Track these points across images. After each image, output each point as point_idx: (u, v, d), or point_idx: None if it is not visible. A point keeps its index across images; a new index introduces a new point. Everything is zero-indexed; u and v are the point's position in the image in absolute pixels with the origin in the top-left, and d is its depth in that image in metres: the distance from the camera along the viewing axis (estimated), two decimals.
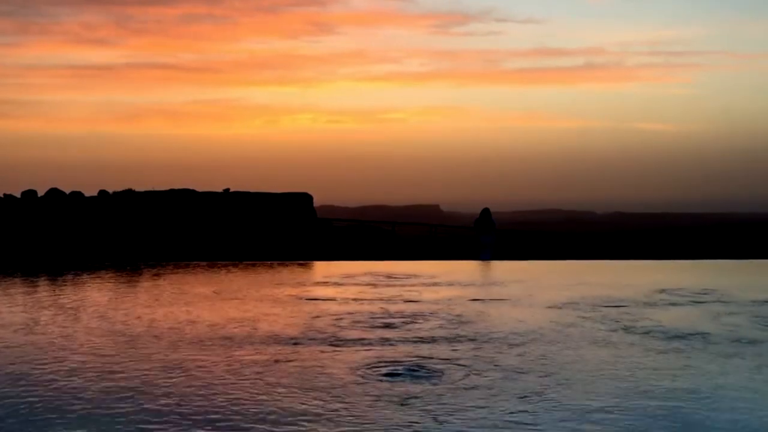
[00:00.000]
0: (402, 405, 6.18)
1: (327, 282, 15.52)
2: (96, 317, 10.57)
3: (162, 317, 10.54)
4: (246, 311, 11.13)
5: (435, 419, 5.83)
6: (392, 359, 7.81)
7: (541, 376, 7.16)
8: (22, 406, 6.14)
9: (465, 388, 6.72)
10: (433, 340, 8.91)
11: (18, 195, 25.19)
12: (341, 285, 14.77)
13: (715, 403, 6.39)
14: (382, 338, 8.98)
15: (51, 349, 8.34)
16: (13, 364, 7.65)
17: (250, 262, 20.33)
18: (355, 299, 12.50)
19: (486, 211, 22.57)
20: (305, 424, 5.70)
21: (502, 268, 19.78)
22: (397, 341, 8.80)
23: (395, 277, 16.07)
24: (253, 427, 5.62)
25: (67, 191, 25.45)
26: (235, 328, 9.69)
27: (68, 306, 11.66)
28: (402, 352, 8.20)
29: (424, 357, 7.92)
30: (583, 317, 10.70)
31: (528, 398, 6.40)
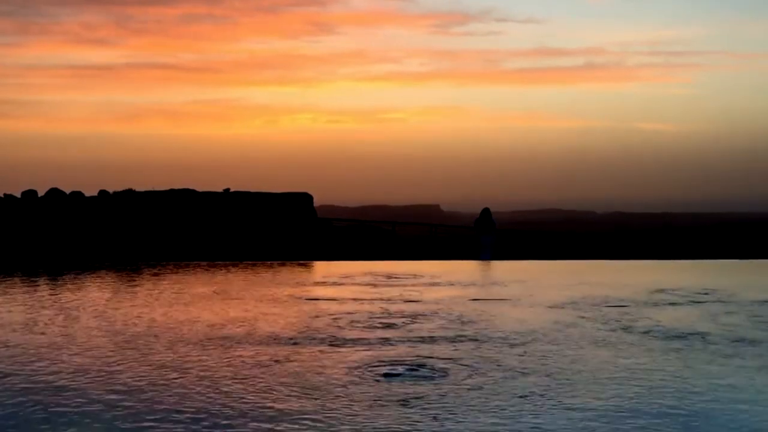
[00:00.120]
0: (402, 405, 6.18)
1: (327, 282, 15.51)
2: (96, 317, 10.57)
3: (162, 317, 10.54)
4: (246, 311, 11.12)
5: (436, 420, 5.82)
6: (392, 359, 7.80)
7: (542, 377, 7.16)
8: (21, 406, 6.14)
9: (466, 389, 6.71)
10: (433, 340, 8.91)
11: (18, 195, 25.19)
12: (341, 285, 14.77)
13: (716, 403, 6.39)
14: (382, 338, 8.98)
15: (51, 349, 8.33)
16: (13, 363, 7.64)
17: (250, 262, 20.33)
18: (355, 299, 12.50)
19: (486, 211, 22.57)
20: (305, 424, 5.70)
21: (502, 268, 19.77)
22: (397, 341, 8.80)
23: (395, 277, 16.07)
24: (252, 428, 5.61)
25: (68, 191, 25.45)
26: (234, 328, 9.69)
27: (68, 306, 11.66)
28: (402, 352, 8.20)
29: (424, 357, 7.91)
30: (584, 317, 10.70)
31: (530, 398, 6.40)
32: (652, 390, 6.70)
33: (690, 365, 7.71)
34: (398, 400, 6.30)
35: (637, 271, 19.26)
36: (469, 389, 6.69)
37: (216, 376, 7.13)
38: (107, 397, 6.38)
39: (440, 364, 7.58)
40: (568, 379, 7.04)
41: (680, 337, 9.20)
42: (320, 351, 8.26)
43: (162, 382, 6.89)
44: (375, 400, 6.30)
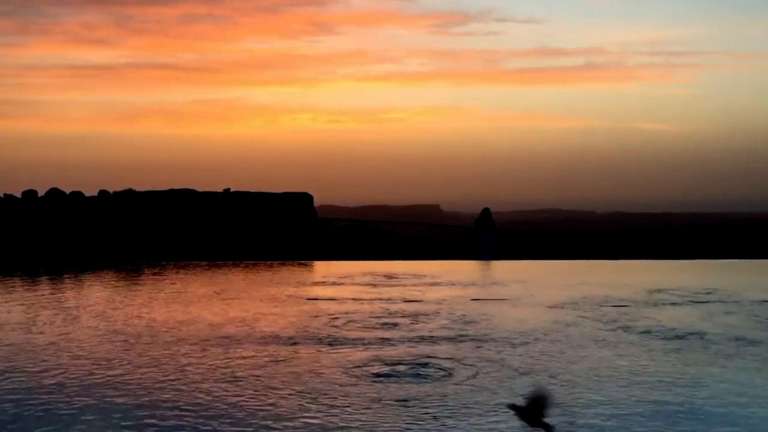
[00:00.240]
0: (403, 405, 6.17)
1: (327, 282, 15.51)
2: (96, 317, 10.57)
3: (162, 317, 10.54)
4: (246, 311, 11.12)
5: (436, 419, 5.82)
6: (393, 359, 7.80)
7: (544, 376, 7.16)
8: (21, 406, 6.14)
9: (467, 389, 6.71)
10: (434, 340, 8.90)
11: (18, 195, 25.19)
12: (341, 285, 14.76)
13: (716, 402, 6.39)
14: (383, 338, 8.98)
15: (50, 349, 8.33)
16: (12, 363, 7.64)
17: (251, 262, 20.32)
18: (355, 299, 12.49)
19: (486, 211, 22.57)
20: (304, 424, 5.70)
21: (502, 267, 19.77)
22: (397, 341, 8.80)
23: (395, 277, 16.06)
24: (251, 428, 5.61)
25: (68, 191, 25.44)
26: (234, 328, 9.69)
27: (68, 306, 11.66)
28: (403, 352, 8.19)
29: (425, 357, 7.91)
30: (584, 317, 10.70)
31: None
32: (652, 390, 6.70)
33: (690, 365, 7.71)
34: (399, 400, 6.29)
35: (637, 271, 19.26)
36: (470, 389, 6.69)
37: (215, 376, 7.13)
38: (106, 397, 6.38)
39: (441, 364, 7.58)
40: (569, 380, 7.04)
41: (680, 336, 9.19)
42: (320, 351, 8.26)
43: (161, 381, 6.88)
44: (375, 400, 6.30)
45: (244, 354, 8.08)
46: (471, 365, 7.57)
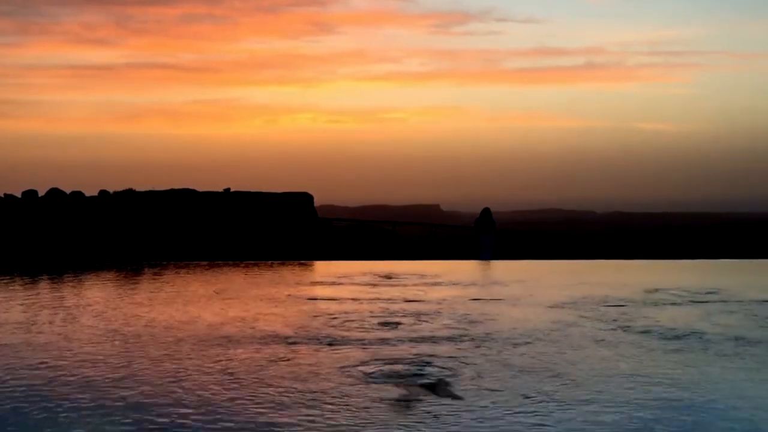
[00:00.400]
0: (403, 405, 6.17)
1: (327, 282, 15.51)
2: (95, 317, 10.57)
3: (161, 317, 10.54)
4: (246, 311, 11.12)
5: (438, 420, 5.82)
6: (393, 359, 7.80)
7: (545, 377, 7.15)
8: (20, 406, 6.13)
9: (468, 389, 6.71)
10: (435, 340, 8.90)
11: (18, 195, 25.19)
12: (341, 285, 14.77)
13: (716, 403, 6.39)
14: (383, 338, 8.98)
15: (50, 349, 8.33)
16: (12, 363, 7.64)
17: (251, 262, 20.33)
18: (355, 299, 12.50)
19: (486, 211, 22.57)
20: (304, 424, 5.69)
21: (502, 267, 19.77)
22: (398, 341, 8.80)
23: (396, 277, 16.06)
24: (250, 428, 5.61)
25: (68, 191, 25.45)
26: (234, 327, 9.69)
27: (68, 306, 11.66)
28: (404, 351, 8.19)
29: (426, 357, 7.91)
30: (585, 317, 10.70)
31: (533, 398, 6.40)
32: (652, 390, 6.70)
33: (690, 365, 7.71)
34: (399, 400, 6.29)
35: (637, 271, 19.26)
36: (471, 389, 6.68)
37: (214, 376, 7.13)
38: (105, 397, 6.38)
39: (442, 364, 7.58)
40: (571, 380, 7.04)
41: (680, 336, 9.19)
42: (320, 351, 8.26)
43: (160, 382, 6.88)
44: (375, 400, 6.30)
45: (244, 354, 8.08)
46: (472, 365, 7.56)
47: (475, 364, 7.64)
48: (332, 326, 9.77)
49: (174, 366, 7.49)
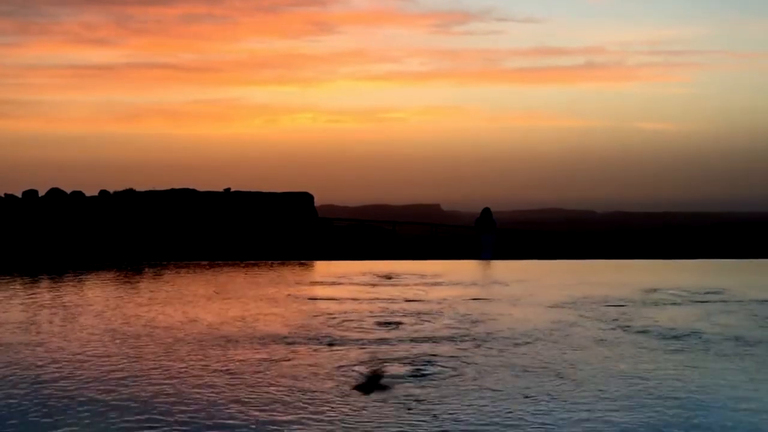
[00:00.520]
0: (404, 405, 6.17)
1: (327, 282, 15.51)
2: (95, 317, 10.56)
3: (161, 317, 10.54)
4: (246, 311, 11.12)
5: (439, 421, 5.82)
6: (394, 359, 7.79)
7: (546, 377, 7.15)
8: (18, 406, 6.13)
9: (469, 388, 6.71)
10: (435, 339, 8.90)
11: (19, 195, 25.19)
12: (342, 285, 14.76)
13: (716, 403, 6.39)
14: (383, 338, 8.97)
15: (49, 349, 8.33)
16: (11, 363, 7.64)
17: (251, 262, 20.33)
18: (355, 299, 12.49)
19: (487, 211, 22.57)
20: (304, 424, 5.69)
21: (503, 267, 19.77)
22: (398, 341, 8.79)
23: (396, 277, 16.06)
24: (249, 428, 5.61)
25: (68, 191, 25.45)
26: (234, 327, 9.69)
27: (68, 306, 11.66)
28: (404, 351, 8.19)
29: (426, 357, 7.91)
30: (586, 317, 10.70)
31: (534, 398, 6.40)
32: (653, 390, 6.70)
33: (690, 365, 7.71)
34: (400, 401, 6.29)
35: (637, 270, 19.26)
36: (472, 389, 6.68)
37: (213, 376, 7.13)
38: (104, 397, 6.38)
39: (443, 364, 7.57)
40: (572, 379, 7.04)
41: (680, 336, 9.19)
42: (320, 351, 8.26)
43: (159, 382, 6.88)
44: (376, 400, 6.30)
45: (243, 354, 8.08)
46: (473, 365, 7.56)
47: (476, 363, 7.63)
48: (332, 326, 9.77)
49: (174, 366, 7.49)
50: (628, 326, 9.89)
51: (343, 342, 8.70)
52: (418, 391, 6.59)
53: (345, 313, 10.87)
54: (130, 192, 25.87)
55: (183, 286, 14.53)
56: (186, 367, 7.43)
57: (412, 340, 8.85)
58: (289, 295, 13.07)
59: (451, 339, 8.92)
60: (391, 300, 12.32)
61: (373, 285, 14.64)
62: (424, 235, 30.90)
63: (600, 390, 6.66)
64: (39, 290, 14.14)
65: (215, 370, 7.32)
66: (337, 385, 6.75)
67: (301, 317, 10.58)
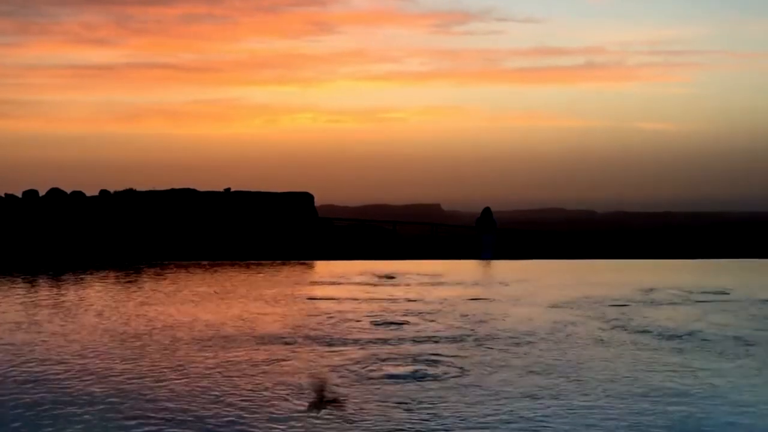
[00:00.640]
0: (405, 406, 6.17)
1: (328, 281, 15.51)
2: (95, 316, 10.57)
3: (161, 316, 10.54)
4: (246, 311, 11.13)
5: (440, 419, 5.82)
6: (394, 359, 7.79)
7: (547, 376, 7.16)
8: (18, 406, 6.14)
9: (471, 388, 6.71)
10: (437, 339, 8.90)
11: (19, 195, 25.20)
12: (342, 284, 14.77)
13: (716, 402, 6.39)
14: (383, 338, 8.97)
15: (49, 348, 8.33)
16: (11, 363, 7.64)
17: (252, 262, 20.33)
18: (355, 299, 12.50)
19: (487, 211, 22.57)
20: (304, 424, 5.70)
21: (503, 267, 19.78)
22: (399, 341, 8.79)
23: (396, 277, 16.06)
24: (249, 429, 5.61)
25: (68, 191, 25.45)
26: (234, 327, 9.69)
27: (68, 305, 11.67)
28: (405, 352, 8.19)
29: (427, 356, 7.91)
30: (587, 317, 10.70)
31: (536, 397, 6.40)
32: (653, 389, 6.70)
33: (690, 365, 7.71)
34: (401, 400, 6.29)
35: (637, 270, 19.26)
36: (473, 389, 6.68)
37: (213, 376, 7.13)
38: (104, 396, 6.38)
39: (443, 364, 7.58)
40: (573, 379, 7.04)
41: (680, 336, 9.20)
42: (320, 351, 8.26)
43: (159, 381, 6.88)
44: (377, 400, 6.30)
45: (243, 353, 8.08)
46: (474, 365, 7.56)
47: (477, 363, 7.63)
48: (333, 326, 9.77)
49: (173, 366, 7.49)
50: (628, 326, 9.90)
51: (344, 342, 8.70)
52: (420, 390, 6.59)
53: (345, 312, 10.87)
54: (130, 192, 25.87)
55: (183, 285, 14.54)
56: (185, 367, 7.43)
57: (414, 340, 8.85)
58: (289, 294, 13.07)
59: (452, 339, 8.92)
60: (392, 300, 12.32)
61: (374, 285, 14.64)
62: (425, 235, 30.89)
63: (601, 389, 6.67)
64: (39, 290, 14.15)
65: (215, 370, 7.32)
66: (339, 385, 6.75)
67: (301, 317, 10.59)
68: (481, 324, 10.04)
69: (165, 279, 15.92)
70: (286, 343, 8.62)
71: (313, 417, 5.76)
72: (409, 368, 7.37)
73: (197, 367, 7.46)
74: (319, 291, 13.93)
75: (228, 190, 26.36)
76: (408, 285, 14.62)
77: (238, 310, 11.14)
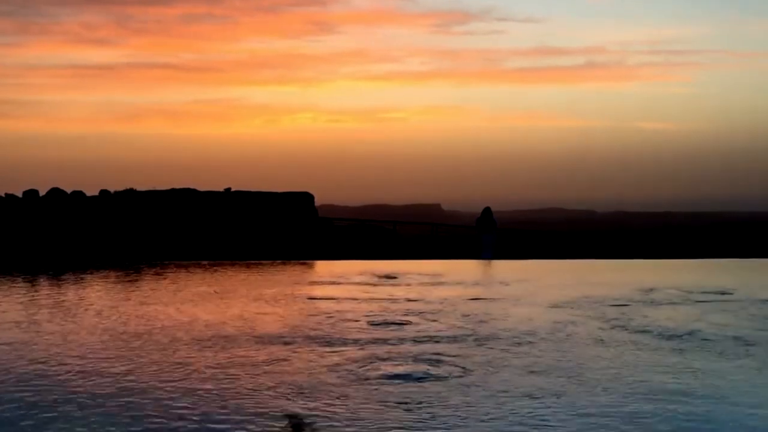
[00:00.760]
0: (405, 405, 6.17)
1: (328, 281, 15.51)
2: (95, 316, 10.57)
3: (161, 316, 10.54)
4: (246, 311, 11.12)
5: (440, 420, 5.82)
6: (395, 359, 7.79)
7: (547, 376, 7.16)
8: (17, 405, 6.14)
9: (471, 388, 6.70)
10: (437, 339, 8.90)
11: (19, 195, 25.19)
12: (342, 284, 14.77)
13: (717, 402, 6.39)
14: (384, 338, 8.97)
15: (49, 348, 8.33)
16: (10, 363, 7.65)
17: (252, 262, 20.33)
18: (355, 299, 12.49)
19: (487, 210, 22.57)
20: (303, 421, 5.69)
21: (503, 267, 19.78)
22: (399, 341, 8.79)
23: (397, 277, 16.06)
24: (249, 428, 5.61)
25: (69, 191, 25.45)
26: (234, 327, 9.69)
27: (68, 305, 11.67)
28: (405, 351, 8.19)
29: (428, 356, 7.91)
30: (587, 317, 10.70)
31: (536, 397, 6.40)
32: (654, 389, 6.70)
33: (691, 365, 7.71)
34: (401, 400, 6.29)
35: (637, 270, 19.26)
36: (474, 389, 6.68)
37: (212, 375, 7.13)
38: (104, 396, 6.38)
39: (444, 364, 7.57)
40: (574, 379, 7.04)
41: (681, 336, 9.19)
42: (320, 350, 8.26)
43: (159, 381, 6.88)
44: (377, 401, 6.30)
45: (243, 353, 8.08)
46: (474, 364, 7.56)
47: (477, 363, 7.63)
48: (333, 326, 9.77)
49: (172, 365, 7.49)
50: (630, 327, 9.90)
51: (344, 342, 8.70)
52: (420, 390, 6.59)
53: (346, 313, 10.87)
54: (130, 192, 25.86)
55: (183, 285, 14.53)
56: (185, 367, 7.43)
57: (414, 339, 8.85)
58: (289, 294, 13.07)
59: (452, 339, 8.92)
60: (392, 300, 12.32)
61: (374, 285, 14.64)
62: (425, 235, 30.89)
63: (601, 389, 6.67)
64: (39, 290, 14.15)
65: (214, 370, 7.32)
66: (338, 385, 6.75)
67: (301, 317, 10.58)
68: (482, 324, 10.04)
69: (165, 279, 15.91)
70: (286, 343, 8.62)
71: (308, 420, 5.75)
72: (410, 368, 7.37)
73: (197, 366, 7.46)
74: (319, 291, 13.92)
75: (228, 190, 26.36)
76: (408, 285, 14.62)
77: (238, 310, 11.14)
